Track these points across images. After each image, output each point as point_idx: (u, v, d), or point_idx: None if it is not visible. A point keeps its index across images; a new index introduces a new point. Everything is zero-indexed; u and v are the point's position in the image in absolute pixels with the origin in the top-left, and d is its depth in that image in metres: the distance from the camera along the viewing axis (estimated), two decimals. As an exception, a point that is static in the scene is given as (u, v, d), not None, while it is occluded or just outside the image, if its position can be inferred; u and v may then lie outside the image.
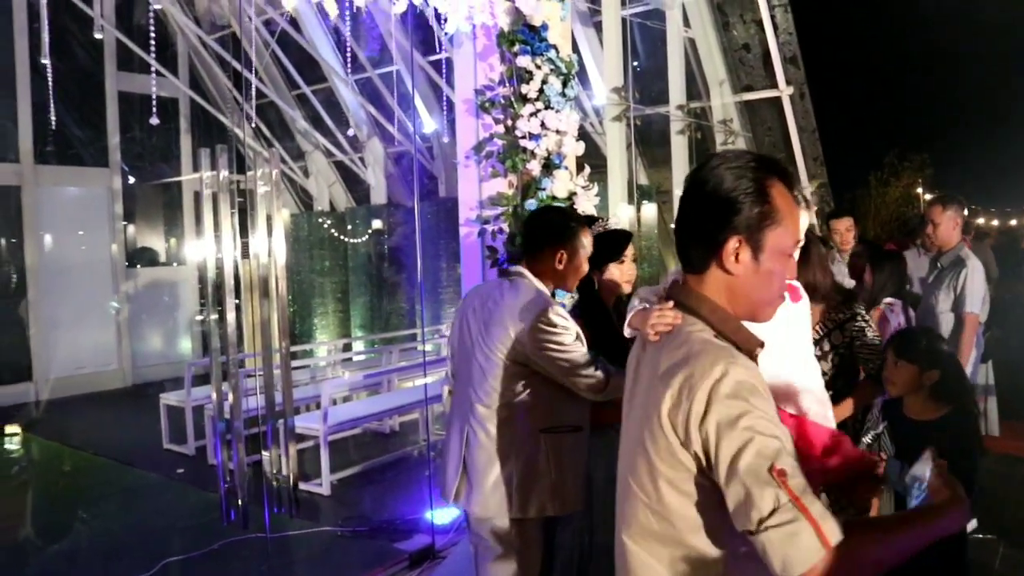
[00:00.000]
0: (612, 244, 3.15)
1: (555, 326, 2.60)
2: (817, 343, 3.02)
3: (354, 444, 6.99)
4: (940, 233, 4.56)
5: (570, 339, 2.61)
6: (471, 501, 2.73)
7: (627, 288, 3.25)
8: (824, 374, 2.87)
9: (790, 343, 2.32)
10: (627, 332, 1.76)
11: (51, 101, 8.50)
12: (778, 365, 2.14)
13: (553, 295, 2.93)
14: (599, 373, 2.61)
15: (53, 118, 8.68)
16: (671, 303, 1.56)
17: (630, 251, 3.24)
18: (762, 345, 1.53)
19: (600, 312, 3.10)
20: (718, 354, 1.40)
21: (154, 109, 7.66)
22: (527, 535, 2.71)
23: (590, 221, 3.12)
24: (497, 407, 2.68)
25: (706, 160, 1.55)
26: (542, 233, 2.82)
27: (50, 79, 7.93)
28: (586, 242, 2.81)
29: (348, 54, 9.13)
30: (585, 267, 2.84)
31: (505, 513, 2.66)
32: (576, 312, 3.09)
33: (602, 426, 3.01)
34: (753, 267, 1.48)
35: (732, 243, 1.46)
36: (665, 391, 1.41)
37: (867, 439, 2.97)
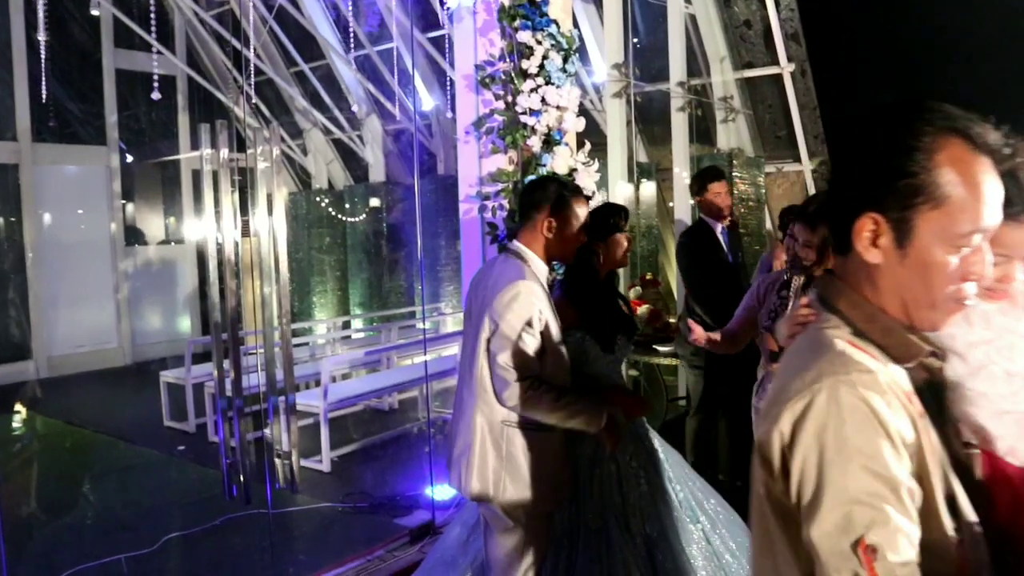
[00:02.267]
0: (615, 215, 3.12)
1: (520, 305, 2.52)
2: None
3: (354, 421, 7.02)
4: None
5: (527, 328, 2.52)
6: None
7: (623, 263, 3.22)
8: None
9: None
10: (782, 341, 1.58)
11: (45, 77, 8.46)
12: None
13: (553, 268, 2.90)
14: (525, 367, 2.49)
15: (45, 94, 8.64)
16: (808, 299, 1.25)
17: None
18: (930, 355, 1.13)
19: (591, 289, 3.06)
20: (824, 367, 1.05)
21: (155, 85, 7.62)
22: (528, 520, 2.67)
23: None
24: (476, 389, 2.66)
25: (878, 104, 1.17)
26: (530, 202, 2.77)
27: (44, 56, 7.88)
28: (579, 211, 2.74)
29: (349, 31, 9.08)
30: (581, 237, 2.76)
31: (461, 490, 2.68)
32: (562, 287, 3.05)
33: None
34: (897, 257, 1.09)
35: (865, 222, 1.09)
36: (766, 412, 1.10)
37: None
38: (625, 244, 3.13)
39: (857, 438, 0.99)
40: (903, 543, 0.96)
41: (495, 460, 2.61)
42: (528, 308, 2.53)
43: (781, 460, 1.05)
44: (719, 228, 4.81)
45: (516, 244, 2.75)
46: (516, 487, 2.60)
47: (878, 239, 1.10)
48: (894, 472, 0.99)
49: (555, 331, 2.63)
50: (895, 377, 1.08)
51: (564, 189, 2.77)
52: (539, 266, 2.71)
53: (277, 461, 4.32)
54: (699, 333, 3.07)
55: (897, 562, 0.95)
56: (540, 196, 2.74)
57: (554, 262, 2.84)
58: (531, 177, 4.02)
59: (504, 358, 2.50)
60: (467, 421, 2.67)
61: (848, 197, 1.13)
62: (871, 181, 1.09)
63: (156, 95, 7.67)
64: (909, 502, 0.99)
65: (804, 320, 1.23)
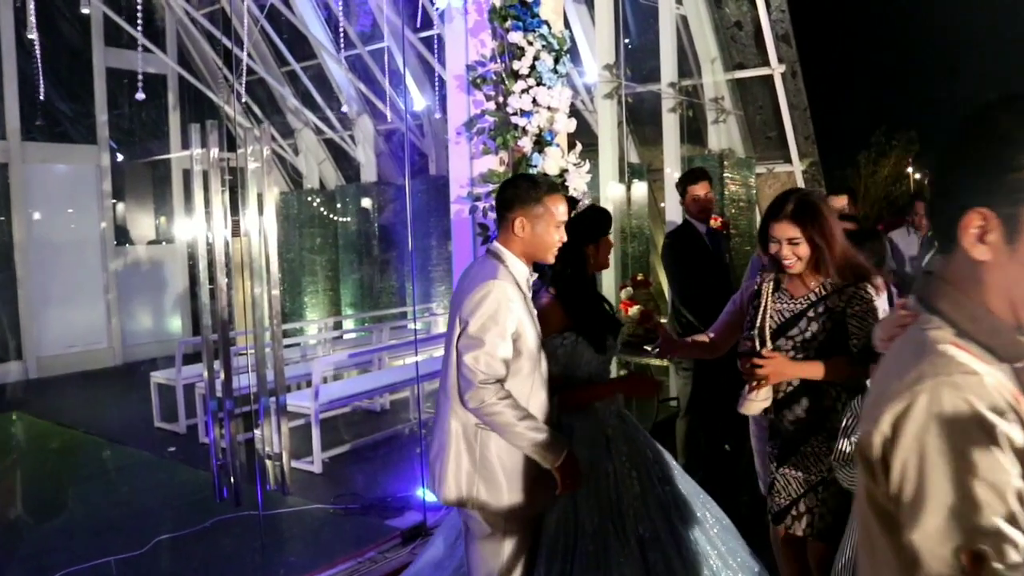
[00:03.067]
0: (604, 218, 3.13)
1: (489, 301, 2.47)
2: (812, 304, 2.85)
3: (345, 422, 7.00)
4: None
5: (494, 326, 2.46)
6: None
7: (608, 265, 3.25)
8: (814, 336, 2.80)
9: None
10: (880, 346, 1.54)
11: (35, 76, 8.41)
12: None
13: (540, 271, 2.88)
14: (490, 369, 2.44)
15: (36, 92, 8.59)
16: (907, 299, 1.23)
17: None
18: None
19: (584, 291, 3.06)
20: (926, 369, 1.02)
21: (139, 84, 7.59)
22: (509, 521, 2.61)
23: (571, 203, 3.07)
24: (448, 389, 2.61)
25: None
26: (502, 202, 2.69)
27: (38, 55, 7.84)
28: (554, 208, 2.64)
29: (340, 31, 9.07)
30: (556, 234, 2.66)
31: (435, 493, 2.63)
32: (552, 289, 3.05)
33: (583, 408, 3.02)
34: (1006, 253, 1.05)
35: (973, 218, 1.05)
36: (867, 414, 1.09)
37: (846, 446, 2.58)
38: (611, 246, 3.17)
39: (960, 441, 0.96)
40: (1010, 550, 0.92)
41: (468, 464, 2.56)
42: (497, 307, 2.47)
43: (882, 463, 1.03)
44: (704, 229, 4.83)
45: (495, 244, 2.70)
46: (490, 492, 2.55)
47: (986, 235, 1.05)
48: (1000, 476, 0.95)
49: (530, 334, 2.57)
50: (1002, 379, 1.03)
51: (535, 187, 2.67)
52: (517, 266, 2.64)
53: (268, 462, 4.32)
54: (664, 346, 3.10)
55: (1003, 569, 0.91)
56: (511, 195, 2.67)
57: (536, 262, 2.74)
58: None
59: (470, 358, 2.44)
60: (442, 424, 2.63)
61: (954, 192, 1.08)
62: (979, 176, 1.05)
63: (140, 95, 7.64)
64: (1018, 507, 0.95)
65: (903, 322, 1.19)
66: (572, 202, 3.11)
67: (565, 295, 2.98)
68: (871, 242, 4.02)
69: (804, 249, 2.81)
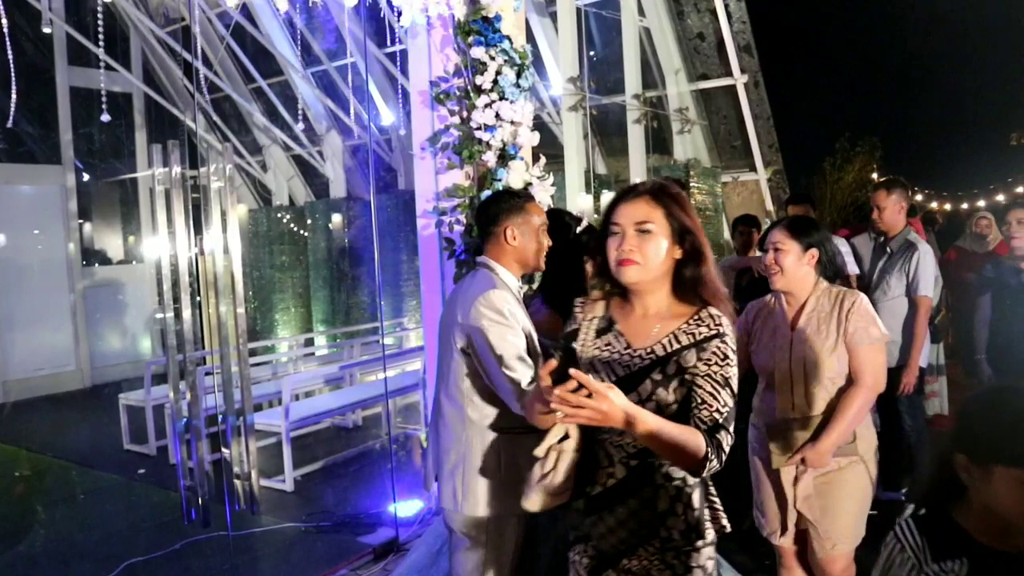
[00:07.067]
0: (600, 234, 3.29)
1: (495, 310, 2.52)
2: (660, 362, 1.92)
3: (317, 439, 6.97)
4: (885, 217, 4.58)
5: (508, 330, 2.50)
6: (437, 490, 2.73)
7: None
8: (667, 405, 1.90)
9: None
10: None
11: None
12: None
13: (531, 283, 2.92)
14: (525, 377, 2.44)
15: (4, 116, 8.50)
16: None
17: None
18: None
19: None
20: None
21: (103, 106, 7.54)
22: (497, 530, 2.63)
23: (576, 222, 3.22)
24: (455, 400, 2.64)
25: None
26: (487, 218, 2.78)
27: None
28: (538, 215, 2.77)
29: (302, 47, 9.07)
30: (544, 241, 2.78)
31: (457, 507, 2.62)
32: (543, 300, 3.12)
33: None
34: None
35: None
36: None
37: None
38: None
39: None
40: None
41: (494, 472, 2.57)
42: (505, 309, 2.53)
43: None
44: None
45: (483, 258, 2.76)
46: (518, 495, 2.46)
47: None
48: None
49: (533, 339, 2.62)
50: None
51: (517, 196, 2.81)
52: (508, 278, 2.70)
53: (236, 482, 4.29)
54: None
55: None
56: (495, 209, 2.76)
57: (527, 271, 2.82)
58: (487, 193, 4.04)
59: (509, 366, 2.45)
60: (456, 436, 2.63)
61: None
62: None
63: (106, 116, 7.59)
64: None
65: None
66: (576, 221, 3.24)
67: (563, 306, 3.09)
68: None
69: (655, 246, 1.93)
